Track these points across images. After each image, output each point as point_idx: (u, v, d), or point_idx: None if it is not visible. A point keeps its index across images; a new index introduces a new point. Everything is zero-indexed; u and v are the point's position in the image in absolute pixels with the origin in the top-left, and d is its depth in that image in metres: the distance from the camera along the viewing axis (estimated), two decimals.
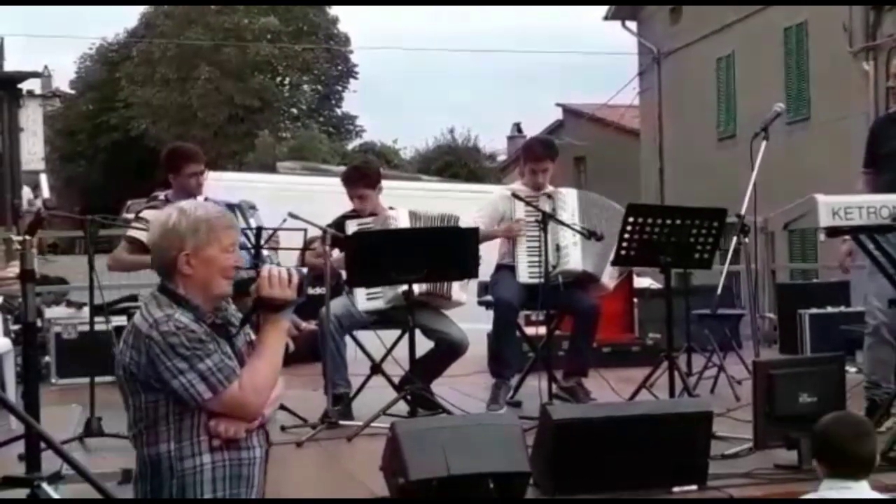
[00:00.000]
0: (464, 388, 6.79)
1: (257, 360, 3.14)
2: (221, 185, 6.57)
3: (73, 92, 43.85)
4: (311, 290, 8.39)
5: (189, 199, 5.14)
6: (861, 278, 5.73)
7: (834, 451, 3.43)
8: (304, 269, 3.22)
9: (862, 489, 3.38)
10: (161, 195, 6.24)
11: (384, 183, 6.47)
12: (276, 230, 5.95)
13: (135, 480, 3.19)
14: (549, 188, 6.33)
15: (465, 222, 6.15)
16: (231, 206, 6.05)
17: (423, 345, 6.01)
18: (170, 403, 3.06)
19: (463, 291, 6.19)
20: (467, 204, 6.73)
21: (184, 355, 3.02)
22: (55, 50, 56.76)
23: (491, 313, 6.64)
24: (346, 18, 65.70)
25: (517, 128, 36.38)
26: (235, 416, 3.10)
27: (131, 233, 6.00)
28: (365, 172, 6.43)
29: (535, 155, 6.35)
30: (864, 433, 3.45)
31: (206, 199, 6.07)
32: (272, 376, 3.17)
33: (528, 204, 6.16)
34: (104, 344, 6.20)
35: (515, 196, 6.25)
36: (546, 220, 5.84)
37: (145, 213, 6.06)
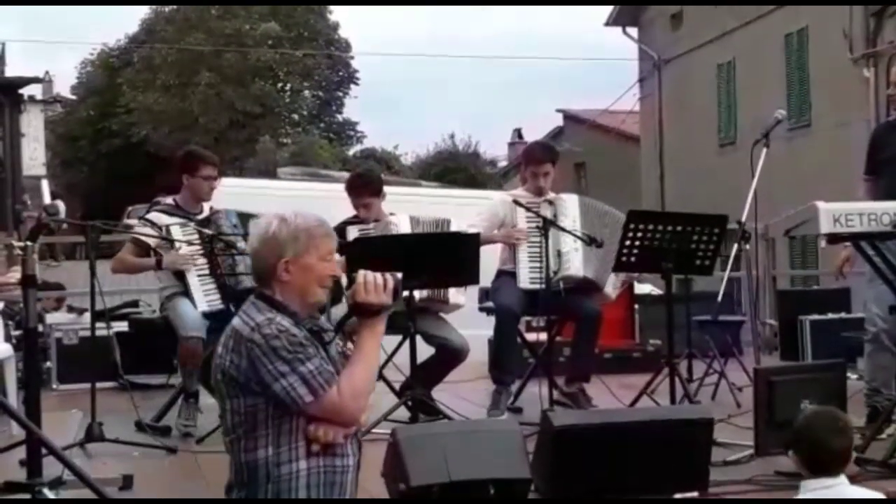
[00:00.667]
0: (465, 393, 6.78)
1: (355, 365, 3.15)
2: (222, 190, 6.56)
3: (74, 97, 43.93)
4: None
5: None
6: (861, 285, 5.73)
7: (810, 443, 3.43)
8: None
9: (841, 483, 3.38)
10: (168, 199, 6.25)
11: (384, 189, 6.48)
12: None
13: (229, 487, 3.17)
14: (551, 194, 6.33)
15: (458, 226, 6.15)
16: (251, 217, 6.04)
17: (424, 351, 6.01)
18: (269, 408, 3.05)
19: (460, 294, 6.18)
20: (467, 210, 6.74)
21: (285, 358, 3.03)
22: (56, 55, 56.92)
23: (492, 319, 6.65)
24: (347, 24, 65.73)
25: (518, 133, 36.42)
26: (333, 422, 3.10)
27: (136, 235, 6.02)
28: (369, 180, 6.44)
29: (536, 158, 6.35)
30: (840, 429, 3.44)
31: (211, 209, 6.10)
32: (370, 381, 3.18)
33: (528, 210, 6.16)
34: (105, 350, 6.22)
35: (517, 202, 6.26)
36: (547, 226, 5.84)
37: (150, 216, 6.07)
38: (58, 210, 5.09)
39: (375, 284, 3.14)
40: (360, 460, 3.25)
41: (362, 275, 3.17)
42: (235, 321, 3.14)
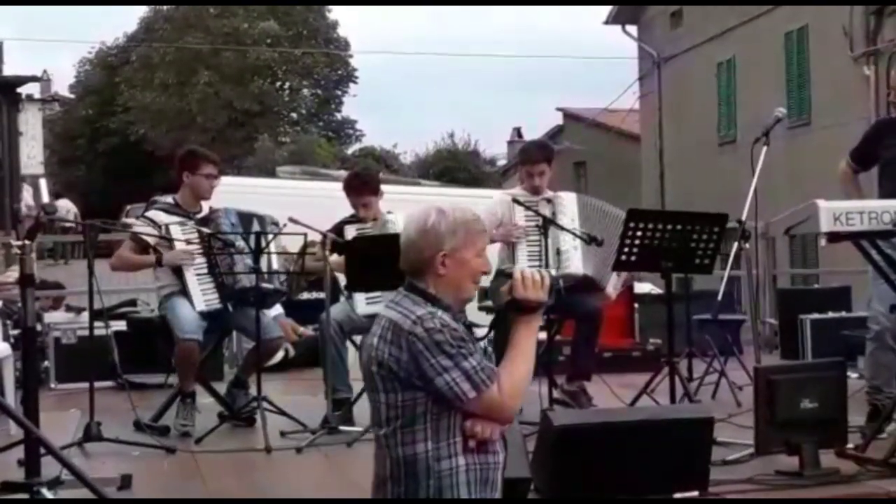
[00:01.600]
0: None
1: (513, 361, 3.13)
2: (221, 189, 6.55)
3: (72, 96, 43.89)
4: (307, 295, 8.46)
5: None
6: (861, 283, 5.72)
7: None
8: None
9: None
10: (167, 198, 6.24)
11: (384, 188, 6.48)
12: (276, 235, 5.95)
13: (379, 483, 3.14)
14: (549, 193, 6.32)
15: None
16: (251, 217, 6.04)
17: None
18: (428, 402, 3.03)
19: None
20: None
21: (449, 353, 3.00)
22: (54, 54, 56.82)
23: (490, 318, 6.63)
24: (346, 23, 65.75)
25: (517, 132, 36.41)
26: (491, 418, 3.07)
27: (136, 230, 6.01)
28: (366, 180, 6.43)
29: (531, 157, 6.35)
30: None
31: (210, 208, 6.08)
32: (528, 378, 3.16)
33: (527, 208, 6.14)
34: (103, 349, 6.20)
35: (515, 201, 6.24)
36: (547, 224, 5.83)
37: (149, 214, 6.06)
38: (56, 209, 5.07)
39: (534, 281, 3.13)
40: (506, 458, 3.19)
41: (519, 271, 3.16)
42: (391, 313, 3.10)
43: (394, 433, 3.05)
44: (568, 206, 6.23)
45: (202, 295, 5.87)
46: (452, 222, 3.12)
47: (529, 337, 3.15)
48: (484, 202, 6.73)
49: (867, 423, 5.34)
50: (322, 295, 5.87)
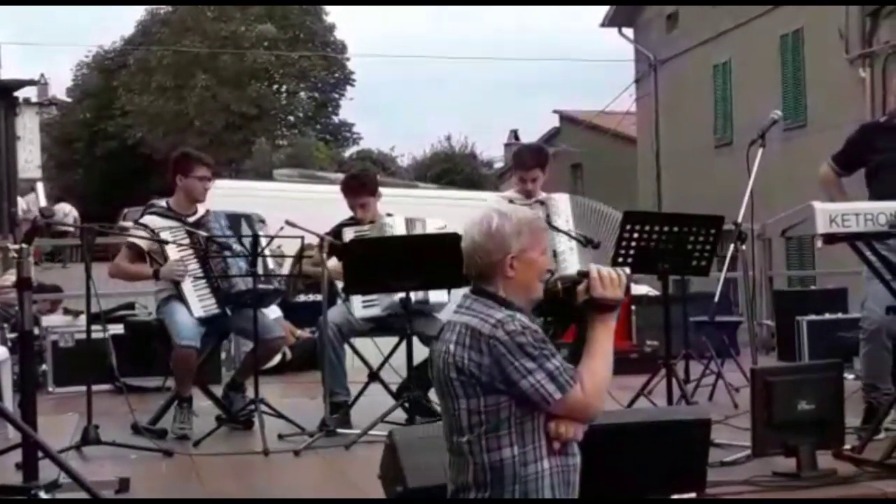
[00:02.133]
0: None
1: (593, 360, 3.15)
2: (218, 192, 6.54)
3: (69, 100, 43.91)
4: (304, 298, 8.46)
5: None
6: (857, 285, 5.73)
7: None
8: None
9: None
10: (161, 202, 6.23)
11: (381, 190, 6.48)
12: (272, 238, 5.95)
13: (459, 490, 3.09)
14: (542, 195, 6.32)
15: (432, 223, 6.14)
16: (239, 217, 6.05)
17: (421, 352, 6.00)
18: (511, 406, 3.00)
19: (441, 293, 6.16)
20: (464, 211, 6.70)
21: (532, 355, 2.99)
22: (52, 58, 56.85)
23: None
24: (343, 25, 65.71)
25: (514, 135, 36.41)
26: (574, 418, 3.06)
27: (132, 239, 6.01)
28: (364, 181, 6.44)
29: (524, 163, 6.34)
30: None
31: (206, 211, 6.08)
32: (609, 377, 3.16)
33: None
34: (101, 352, 6.20)
35: (511, 202, 6.25)
36: None
37: (144, 220, 6.06)
38: (53, 213, 5.06)
39: (611, 279, 3.14)
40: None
41: (596, 270, 3.16)
42: (465, 318, 3.08)
43: (478, 439, 3.01)
44: (562, 207, 6.24)
45: (199, 301, 5.86)
46: (517, 223, 3.12)
47: (608, 335, 3.17)
48: (481, 205, 6.72)
49: (863, 422, 5.34)
50: (319, 297, 5.86)
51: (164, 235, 5.89)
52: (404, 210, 6.43)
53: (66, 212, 24.62)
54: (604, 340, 3.16)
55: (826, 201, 5.42)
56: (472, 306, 3.10)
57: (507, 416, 3.00)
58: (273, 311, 7.94)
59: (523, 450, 2.99)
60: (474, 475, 3.02)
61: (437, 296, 6.11)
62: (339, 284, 6.02)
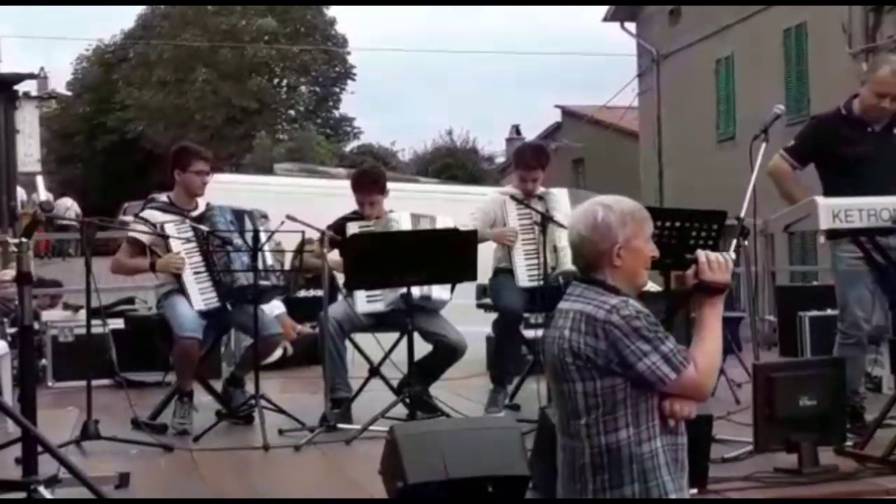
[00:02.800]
0: (462, 391, 6.77)
1: (706, 341, 3.20)
2: (218, 187, 6.53)
3: (69, 94, 43.83)
4: (305, 293, 8.45)
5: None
6: (839, 284, 5.69)
7: None
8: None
9: None
10: (162, 196, 6.22)
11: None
12: (273, 232, 5.94)
13: (574, 472, 3.17)
14: (541, 189, 6.32)
15: (443, 222, 6.13)
16: (242, 213, 6.04)
17: (422, 348, 6.00)
18: (627, 388, 3.09)
19: (444, 290, 6.16)
20: (465, 206, 6.71)
21: (647, 337, 3.08)
22: (52, 51, 56.74)
23: (489, 316, 6.62)
24: (344, 20, 65.75)
25: (516, 130, 36.45)
26: (687, 397, 3.14)
27: (132, 234, 6.00)
28: (375, 178, 6.40)
29: (526, 163, 6.32)
30: None
31: (207, 205, 6.07)
32: (719, 357, 3.23)
33: (527, 206, 6.13)
34: (101, 347, 6.19)
35: (513, 198, 6.24)
36: (545, 222, 5.82)
37: (145, 214, 6.04)
38: (53, 207, 5.04)
39: (718, 263, 3.22)
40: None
41: (704, 254, 3.23)
42: (578, 305, 3.17)
43: (596, 422, 3.11)
44: (561, 201, 6.22)
45: (200, 294, 5.85)
46: (620, 214, 3.21)
47: (716, 317, 3.24)
48: (481, 199, 6.72)
49: (851, 425, 5.31)
50: (320, 292, 5.85)
51: (169, 228, 5.88)
52: (405, 205, 6.42)
53: (68, 206, 24.67)
54: (713, 322, 3.23)
55: (782, 196, 5.41)
56: (583, 294, 3.21)
57: (623, 398, 3.09)
58: (277, 307, 7.94)
59: (638, 430, 3.10)
60: (591, 458, 3.12)
61: (439, 293, 6.10)
62: (340, 280, 6.01)
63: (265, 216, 6.07)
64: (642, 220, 3.25)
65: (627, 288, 3.21)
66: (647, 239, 3.26)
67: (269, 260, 6.03)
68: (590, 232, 3.21)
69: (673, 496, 3.10)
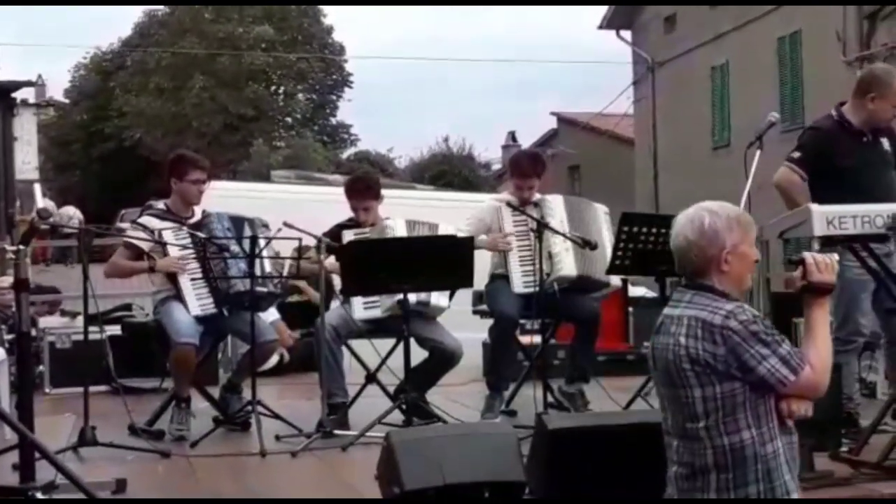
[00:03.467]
0: (458, 397, 6.78)
1: (817, 341, 3.27)
2: (215, 194, 6.53)
3: (67, 101, 43.89)
4: (297, 298, 8.46)
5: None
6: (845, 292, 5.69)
7: None
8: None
9: None
10: (159, 204, 6.23)
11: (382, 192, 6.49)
12: (271, 239, 5.95)
13: (694, 473, 3.26)
14: (536, 196, 6.33)
15: (444, 230, 6.16)
16: (242, 220, 6.04)
17: (418, 354, 6.01)
18: (746, 391, 3.16)
19: (443, 297, 6.17)
20: (461, 213, 6.72)
21: (765, 341, 3.15)
22: (49, 59, 56.82)
23: (485, 322, 6.63)
24: (341, 26, 65.76)
25: (512, 136, 36.42)
26: (805, 396, 3.22)
27: (129, 239, 6.00)
28: (370, 184, 6.43)
29: (522, 171, 6.32)
30: None
31: (203, 212, 6.08)
32: (831, 357, 3.29)
33: (521, 213, 6.15)
34: (98, 353, 6.20)
35: (509, 205, 6.26)
36: (541, 228, 5.83)
37: (142, 220, 6.05)
38: (51, 214, 5.06)
39: (825, 264, 3.30)
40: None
41: (811, 256, 3.33)
42: (692, 311, 3.24)
43: (716, 424, 3.18)
44: (556, 208, 6.23)
45: (197, 300, 5.86)
46: (727, 219, 3.28)
47: (825, 317, 3.33)
48: (478, 206, 6.73)
49: (846, 430, 5.32)
50: (304, 299, 5.85)
51: (166, 235, 5.89)
52: (402, 212, 6.43)
53: (71, 214, 24.68)
54: (822, 322, 3.33)
55: (789, 207, 5.40)
56: (694, 300, 3.28)
57: (743, 401, 3.17)
58: (271, 314, 7.94)
59: (759, 431, 3.19)
60: (714, 458, 3.20)
61: (437, 299, 6.12)
62: (337, 286, 6.02)
63: (266, 225, 6.07)
64: (747, 224, 3.32)
65: (734, 292, 3.29)
66: (752, 243, 3.33)
67: (268, 267, 6.05)
68: (697, 237, 3.27)
69: (794, 495, 3.20)
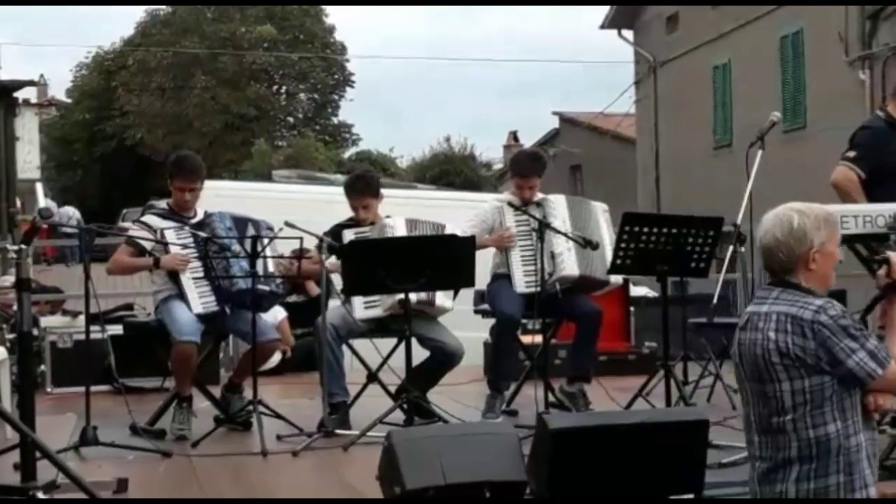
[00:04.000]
0: (460, 396, 6.78)
1: None
2: (216, 193, 6.54)
3: (69, 101, 43.92)
4: (296, 298, 8.46)
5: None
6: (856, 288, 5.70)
7: None
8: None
9: None
10: (161, 203, 6.23)
11: (382, 191, 6.48)
12: (272, 239, 5.95)
13: (776, 466, 3.37)
14: (539, 195, 6.33)
15: (451, 230, 6.16)
16: (246, 221, 6.03)
17: (419, 353, 6.01)
18: (834, 384, 3.27)
19: (447, 298, 6.18)
20: (463, 212, 6.72)
21: (854, 336, 3.27)
22: (51, 59, 56.88)
23: (487, 322, 6.63)
24: (343, 26, 65.75)
25: (514, 136, 36.43)
26: (890, 391, 3.34)
27: (132, 234, 6.00)
28: (369, 181, 6.45)
29: (523, 171, 6.33)
30: None
31: (205, 213, 6.07)
32: None
33: (523, 212, 6.15)
34: (99, 353, 6.20)
35: (511, 205, 6.26)
36: (543, 228, 5.83)
37: (145, 219, 6.06)
38: (52, 213, 5.06)
39: None
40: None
41: (895, 255, 3.49)
42: (781, 307, 3.34)
43: (803, 417, 3.31)
44: (558, 208, 6.23)
45: (199, 298, 5.86)
46: (815, 219, 3.39)
47: None
48: (479, 206, 6.73)
49: None
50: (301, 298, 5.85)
51: (169, 234, 5.89)
52: (403, 211, 6.43)
53: (70, 215, 24.76)
54: None
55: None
56: (781, 296, 3.38)
57: (830, 395, 3.28)
58: (279, 312, 7.95)
59: (845, 424, 3.29)
60: (799, 450, 3.32)
61: (442, 300, 6.12)
62: (337, 285, 6.02)
63: (271, 228, 6.06)
64: (833, 224, 3.43)
65: (819, 289, 3.38)
66: (837, 243, 3.44)
67: (271, 267, 6.04)
68: (786, 237, 3.38)
69: (871, 489, 3.31)
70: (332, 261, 5.90)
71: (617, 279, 6.53)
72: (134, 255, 6.02)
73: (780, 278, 3.41)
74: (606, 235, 6.29)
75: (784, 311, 3.33)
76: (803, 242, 3.35)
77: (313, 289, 8.03)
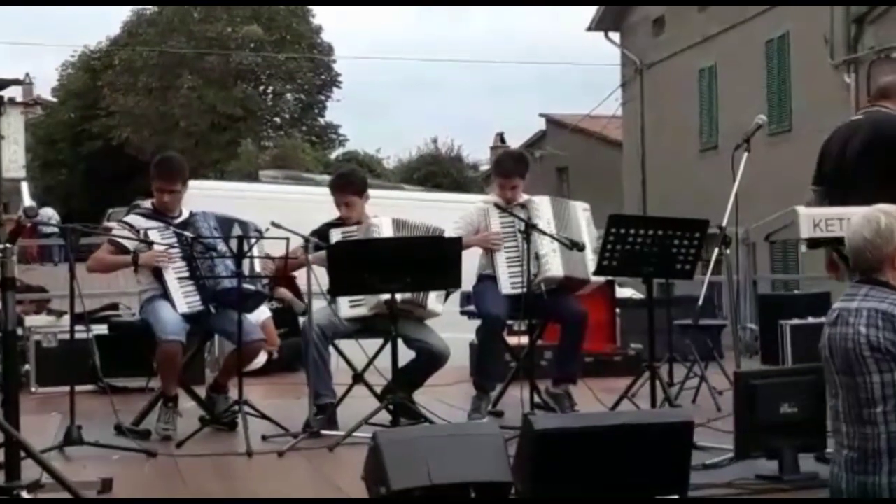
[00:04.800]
0: (445, 397, 6.78)
1: None
2: (202, 193, 6.52)
3: (54, 100, 43.77)
4: (275, 305, 8.45)
5: None
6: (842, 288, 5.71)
7: None
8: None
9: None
10: (146, 203, 6.21)
11: (368, 191, 6.49)
12: (258, 239, 5.94)
13: (864, 457, 3.51)
14: (523, 197, 6.34)
15: (439, 232, 6.17)
16: (232, 221, 6.02)
17: (405, 355, 6.01)
18: None
19: (439, 302, 6.18)
20: (449, 214, 6.73)
21: None
22: (37, 57, 56.68)
23: (473, 323, 6.64)
24: (330, 27, 65.70)
25: (500, 138, 36.40)
26: None
27: (115, 234, 5.99)
28: (352, 179, 6.48)
29: (505, 171, 6.35)
30: None
31: (190, 213, 6.06)
32: None
33: (509, 213, 6.15)
34: (84, 352, 6.18)
35: (497, 206, 6.27)
36: (529, 230, 5.84)
37: (128, 219, 6.05)
38: (37, 212, 5.04)
39: None
40: None
41: None
42: (870, 304, 3.52)
43: (893, 409, 3.47)
44: (543, 209, 6.24)
45: (184, 297, 5.85)
46: None
47: None
48: (466, 207, 6.74)
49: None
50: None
51: (153, 234, 5.88)
52: (389, 212, 6.43)
53: (50, 216, 24.70)
54: None
55: None
56: (871, 293, 3.55)
57: None
58: (263, 312, 7.93)
59: None
60: (889, 442, 3.48)
61: (433, 303, 6.12)
62: (324, 284, 6.01)
63: (258, 230, 6.04)
64: None
65: None
66: None
67: (258, 267, 6.03)
68: (874, 236, 3.54)
69: None
70: (317, 253, 5.90)
71: (597, 280, 6.53)
72: (116, 254, 6.01)
73: (869, 276, 3.57)
74: (586, 234, 6.29)
75: (874, 307, 3.48)
76: (890, 242, 3.51)
77: (285, 294, 8.04)
